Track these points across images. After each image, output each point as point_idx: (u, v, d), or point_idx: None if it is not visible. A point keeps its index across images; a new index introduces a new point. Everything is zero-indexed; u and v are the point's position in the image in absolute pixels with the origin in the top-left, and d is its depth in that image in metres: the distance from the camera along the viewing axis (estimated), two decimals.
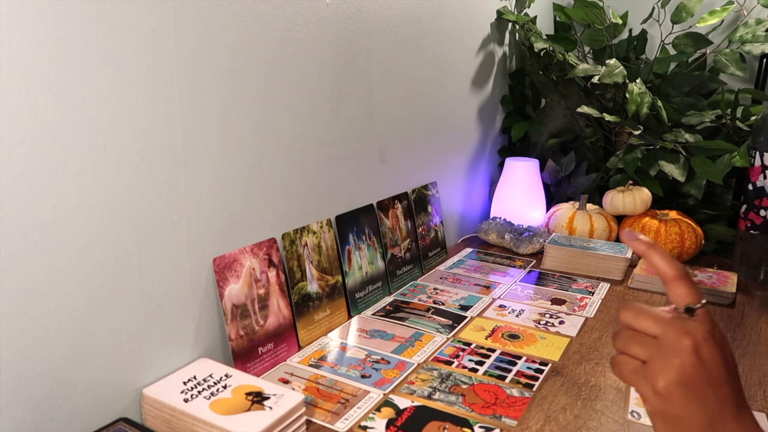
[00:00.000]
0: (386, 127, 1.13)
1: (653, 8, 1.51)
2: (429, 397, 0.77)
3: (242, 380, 0.72)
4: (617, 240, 1.38)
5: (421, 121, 1.24)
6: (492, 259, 1.32)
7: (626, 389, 0.80)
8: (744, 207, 1.24)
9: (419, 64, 1.20)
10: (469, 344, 0.92)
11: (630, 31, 1.59)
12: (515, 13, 1.54)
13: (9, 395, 0.58)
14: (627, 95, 1.35)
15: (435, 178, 1.32)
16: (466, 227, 1.52)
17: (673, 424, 0.45)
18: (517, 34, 1.59)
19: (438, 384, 0.80)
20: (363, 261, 1.04)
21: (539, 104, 1.62)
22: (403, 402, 0.76)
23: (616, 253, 1.23)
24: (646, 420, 0.74)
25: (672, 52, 1.54)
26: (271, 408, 0.66)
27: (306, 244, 0.92)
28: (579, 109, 1.40)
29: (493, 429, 0.71)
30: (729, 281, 1.16)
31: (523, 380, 0.82)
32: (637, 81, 1.37)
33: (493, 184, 1.61)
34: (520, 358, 0.88)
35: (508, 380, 0.82)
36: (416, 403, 0.76)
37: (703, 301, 0.47)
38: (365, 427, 0.71)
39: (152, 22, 0.66)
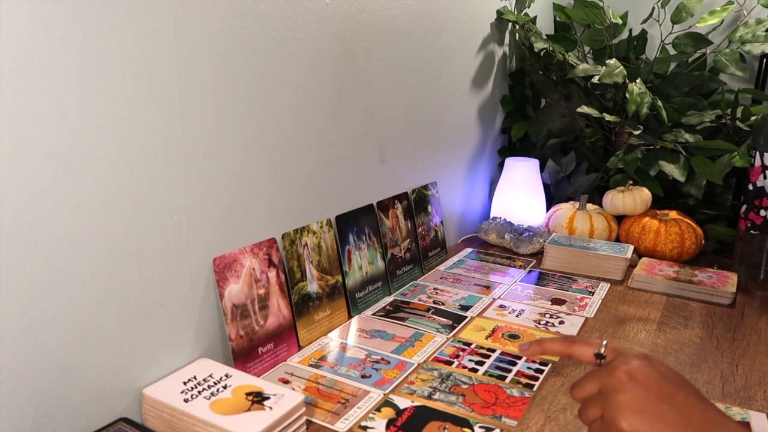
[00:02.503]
0: (386, 127, 1.13)
1: (653, 8, 1.51)
2: (429, 397, 0.77)
3: (242, 380, 0.72)
4: (617, 240, 1.38)
5: (421, 121, 1.25)
6: (492, 259, 1.32)
7: None
8: (744, 207, 1.24)
9: (419, 64, 1.20)
10: (469, 344, 0.92)
11: (630, 31, 1.60)
12: (515, 13, 1.54)
13: (9, 395, 0.58)
14: (627, 95, 1.35)
15: (435, 178, 1.32)
16: (466, 227, 1.52)
17: None
18: (517, 34, 1.59)
19: (438, 384, 0.80)
20: (363, 261, 1.04)
21: (539, 104, 1.62)
22: (403, 402, 0.76)
23: (616, 253, 1.23)
24: None
25: (672, 52, 1.54)
26: (271, 408, 0.66)
27: (306, 244, 0.92)
28: (579, 109, 1.40)
29: (493, 429, 0.71)
30: (729, 281, 1.16)
31: (523, 380, 0.82)
32: (637, 81, 1.37)
33: (493, 184, 1.61)
34: (520, 358, 0.88)
35: (508, 380, 0.82)
36: (416, 403, 0.75)
37: (604, 342, 0.52)
38: (365, 427, 0.71)
39: (152, 22, 0.66)
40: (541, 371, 0.84)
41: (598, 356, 0.52)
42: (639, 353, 0.51)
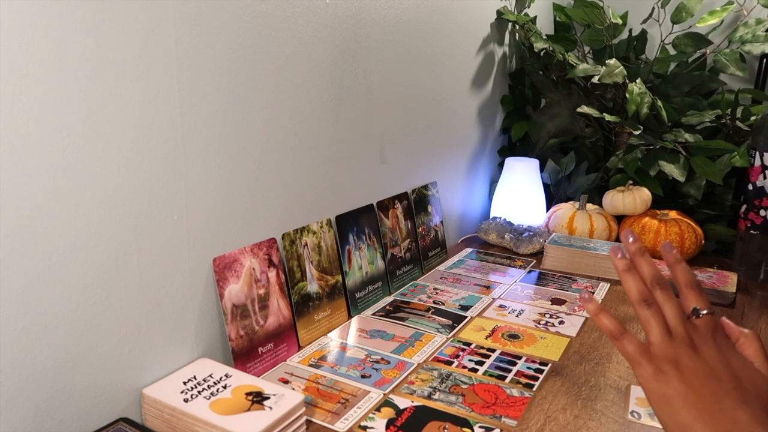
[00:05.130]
0: (386, 127, 1.13)
1: (653, 8, 1.51)
2: (429, 397, 0.77)
3: (242, 380, 0.72)
4: (617, 240, 1.38)
5: (421, 121, 1.25)
6: (492, 259, 1.32)
7: (626, 389, 0.80)
8: (744, 207, 1.24)
9: (419, 64, 1.20)
10: (469, 344, 0.92)
11: (630, 31, 1.60)
12: (515, 13, 1.54)
13: (9, 395, 0.58)
14: (627, 95, 1.35)
15: (435, 178, 1.32)
16: (466, 227, 1.52)
17: (665, 402, 0.48)
18: (517, 34, 1.59)
19: (438, 384, 0.80)
20: (363, 261, 1.04)
21: (539, 104, 1.62)
22: (403, 402, 0.76)
23: None
24: (646, 420, 0.74)
25: (672, 52, 1.54)
26: (271, 408, 0.66)
27: (306, 244, 0.92)
28: (579, 109, 1.40)
29: (493, 429, 0.71)
30: (729, 281, 1.16)
31: (523, 380, 0.82)
32: (637, 81, 1.37)
33: (493, 184, 1.61)
34: (520, 358, 0.88)
35: (508, 380, 0.82)
36: (416, 403, 0.76)
37: (707, 311, 0.51)
38: (365, 427, 0.71)
39: (152, 22, 0.66)
40: (541, 371, 0.84)
41: (695, 311, 0.51)
42: (723, 339, 0.51)
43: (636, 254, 0.53)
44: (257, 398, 0.68)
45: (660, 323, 0.50)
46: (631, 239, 0.53)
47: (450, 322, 0.99)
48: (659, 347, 0.49)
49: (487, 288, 1.15)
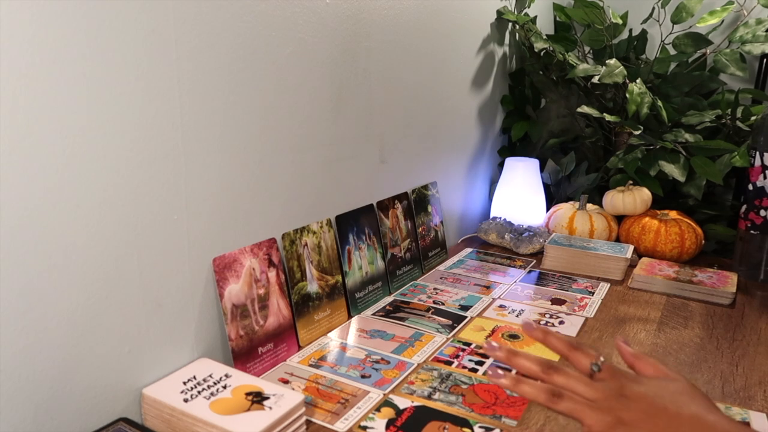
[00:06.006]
0: (386, 127, 1.13)
1: (653, 8, 1.51)
2: (429, 397, 0.77)
3: (242, 380, 0.72)
4: (617, 240, 1.38)
5: (421, 121, 1.25)
6: (492, 259, 1.32)
7: None
8: (744, 207, 1.24)
9: (419, 64, 1.20)
10: (469, 344, 0.92)
11: (630, 31, 1.60)
12: (515, 13, 1.54)
13: (9, 395, 0.58)
14: (627, 95, 1.35)
15: (435, 178, 1.32)
16: (466, 227, 1.52)
17: None
18: (517, 34, 1.59)
19: (438, 384, 0.80)
20: (363, 261, 1.04)
21: (539, 104, 1.62)
22: (402, 402, 0.76)
23: (616, 253, 1.23)
24: None
25: (672, 52, 1.54)
26: (270, 408, 0.66)
27: (306, 244, 0.92)
28: (579, 109, 1.40)
29: (493, 429, 0.71)
30: (729, 281, 1.16)
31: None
32: (637, 81, 1.37)
33: (493, 184, 1.61)
34: None
35: None
36: (416, 403, 0.76)
37: (602, 359, 0.52)
38: (365, 427, 0.71)
39: (152, 22, 0.66)
40: None
41: (594, 365, 0.52)
42: (632, 376, 0.51)
43: (509, 358, 0.54)
44: (257, 398, 0.68)
45: (582, 403, 0.49)
46: (496, 349, 0.54)
47: (450, 322, 0.99)
48: (599, 423, 0.48)
49: (487, 288, 1.15)
